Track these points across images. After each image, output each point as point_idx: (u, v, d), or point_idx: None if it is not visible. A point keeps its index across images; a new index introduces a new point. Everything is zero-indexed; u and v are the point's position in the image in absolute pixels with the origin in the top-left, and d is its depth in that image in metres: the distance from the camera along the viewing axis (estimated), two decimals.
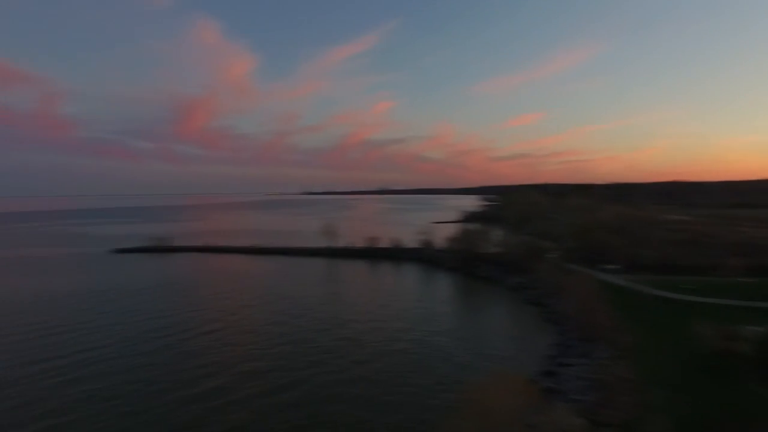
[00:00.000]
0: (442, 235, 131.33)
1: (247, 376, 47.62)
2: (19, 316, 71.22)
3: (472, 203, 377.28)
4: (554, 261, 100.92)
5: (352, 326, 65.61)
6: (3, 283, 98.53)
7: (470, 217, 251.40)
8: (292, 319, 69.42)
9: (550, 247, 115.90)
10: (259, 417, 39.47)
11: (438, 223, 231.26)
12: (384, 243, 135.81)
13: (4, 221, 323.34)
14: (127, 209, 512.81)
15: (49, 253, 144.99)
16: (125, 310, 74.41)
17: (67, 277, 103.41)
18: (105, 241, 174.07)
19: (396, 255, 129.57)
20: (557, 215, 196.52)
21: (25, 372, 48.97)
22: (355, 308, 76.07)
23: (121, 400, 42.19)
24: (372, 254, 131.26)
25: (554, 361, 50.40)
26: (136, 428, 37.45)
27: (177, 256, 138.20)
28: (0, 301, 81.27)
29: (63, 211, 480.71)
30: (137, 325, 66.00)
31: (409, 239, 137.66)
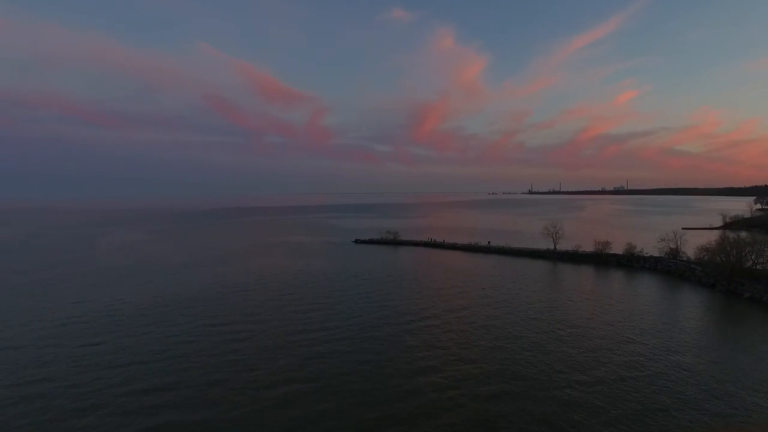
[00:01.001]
0: (694, 243, 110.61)
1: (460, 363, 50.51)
2: (283, 291, 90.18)
3: (740, 206, 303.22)
4: None
5: (564, 346, 61.66)
6: (272, 262, 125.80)
7: (736, 223, 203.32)
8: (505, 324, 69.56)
9: None
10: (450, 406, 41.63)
11: (690, 228, 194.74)
12: (616, 248, 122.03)
13: (279, 214, 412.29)
14: (369, 206, 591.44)
15: (307, 240, 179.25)
16: (363, 293, 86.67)
17: (321, 260, 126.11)
18: (349, 233, 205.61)
19: (629, 263, 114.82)
20: None
21: (286, 340, 61.46)
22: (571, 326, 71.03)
23: (355, 377, 49.06)
24: (601, 260, 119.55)
25: None
26: (367, 402, 43.62)
27: (405, 249, 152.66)
28: (269, 276, 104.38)
29: (323, 206, 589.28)
30: (373, 308, 76.35)
31: (649, 246, 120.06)
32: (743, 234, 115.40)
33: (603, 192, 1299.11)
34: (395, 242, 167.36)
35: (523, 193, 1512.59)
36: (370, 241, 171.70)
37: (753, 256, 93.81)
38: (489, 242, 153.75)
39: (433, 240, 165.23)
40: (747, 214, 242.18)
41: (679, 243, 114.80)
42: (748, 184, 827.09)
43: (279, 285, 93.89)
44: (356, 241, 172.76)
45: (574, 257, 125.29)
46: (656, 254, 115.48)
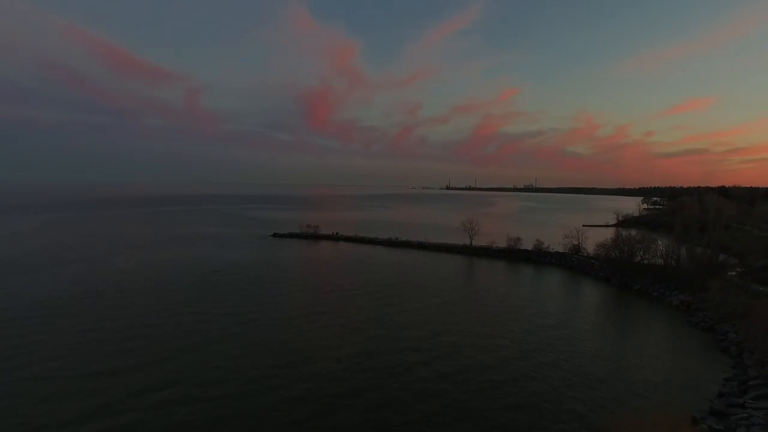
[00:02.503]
0: (593, 239, 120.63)
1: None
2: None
3: (629, 205, 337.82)
4: (735, 280, 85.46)
5: (482, 340, 64.02)
6: (202, 253, 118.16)
7: (628, 221, 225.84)
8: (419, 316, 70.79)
9: (730, 263, 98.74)
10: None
11: (589, 226, 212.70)
12: (526, 244, 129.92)
13: (181, 203, 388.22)
14: (272, 197, 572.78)
15: (232, 232, 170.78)
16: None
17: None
18: (267, 225, 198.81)
19: (538, 258, 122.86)
20: (743, 225, 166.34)
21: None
22: (487, 315, 74.06)
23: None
24: (513, 255, 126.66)
25: (726, 401, 42.83)
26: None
27: (323, 244, 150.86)
28: (190, 266, 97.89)
29: (226, 196, 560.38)
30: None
31: (555, 242, 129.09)
32: (633, 232, 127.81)
33: (514, 189, 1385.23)
34: (314, 236, 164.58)
35: (440, 188, 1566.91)
36: (289, 235, 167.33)
37: (641, 252, 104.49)
38: (398, 238, 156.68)
39: (337, 234, 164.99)
40: (636, 213, 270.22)
41: (580, 239, 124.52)
42: (636, 186, 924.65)
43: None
44: (274, 235, 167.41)
45: (489, 252, 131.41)
46: (561, 250, 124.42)
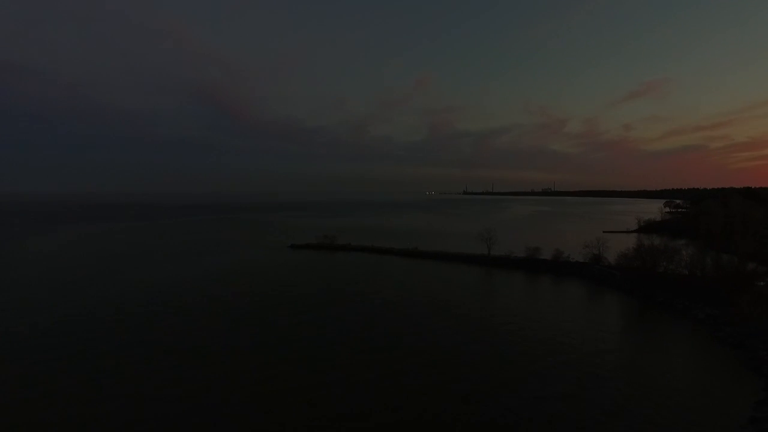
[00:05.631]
0: (615, 248, 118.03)
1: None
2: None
3: (649, 208, 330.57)
4: (765, 291, 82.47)
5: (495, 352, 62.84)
6: None
7: (650, 227, 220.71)
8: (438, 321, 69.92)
9: (760, 273, 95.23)
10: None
11: (610, 232, 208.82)
12: (545, 253, 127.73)
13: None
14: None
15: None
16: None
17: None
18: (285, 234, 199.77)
19: (558, 269, 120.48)
20: None
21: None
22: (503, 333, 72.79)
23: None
24: (532, 266, 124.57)
25: (759, 426, 41.10)
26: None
27: (339, 255, 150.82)
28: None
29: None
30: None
31: (575, 251, 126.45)
32: (656, 239, 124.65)
33: (533, 193, 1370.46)
34: (334, 247, 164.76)
35: (458, 193, 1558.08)
36: (307, 246, 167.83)
37: (665, 262, 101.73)
38: (416, 247, 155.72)
39: (350, 244, 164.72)
40: (658, 218, 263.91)
41: (601, 249, 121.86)
42: (657, 188, 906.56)
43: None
44: (293, 247, 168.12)
45: (507, 263, 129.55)
46: (582, 259, 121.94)
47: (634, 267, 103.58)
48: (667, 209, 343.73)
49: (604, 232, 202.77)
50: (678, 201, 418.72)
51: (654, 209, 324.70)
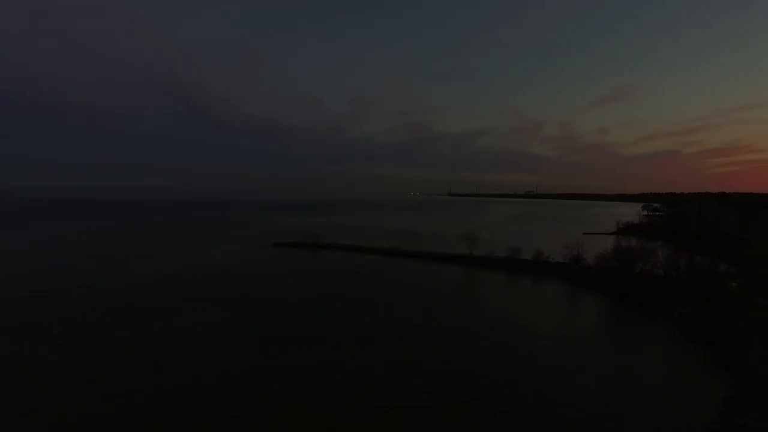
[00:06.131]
0: (594, 249, 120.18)
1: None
2: None
3: (627, 211, 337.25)
4: (735, 291, 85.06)
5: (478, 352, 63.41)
6: None
7: (628, 229, 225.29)
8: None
9: (730, 274, 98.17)
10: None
11: (590, 233, 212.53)
12: (526, 254, 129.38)
13: None
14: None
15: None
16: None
17: None
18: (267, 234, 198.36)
19: (538, 269, 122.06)
20: (745, 234, 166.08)
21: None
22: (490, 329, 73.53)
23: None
24: (513, 266, 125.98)
25: (727, 421, 42.42)
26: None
27: (327, 254, 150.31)
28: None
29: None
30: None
31: (555, 251, 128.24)
32: (633, 241, 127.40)
33: (515, 195, 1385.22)
34: (317, 245, 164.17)
35: (442, 194, 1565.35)
36: (291, 245, 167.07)
37: (641, 263, 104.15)
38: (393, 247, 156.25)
39: (334, 243, 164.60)
40: (636, 220, 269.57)
41: (580, 249, 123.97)
42: (633, 192, 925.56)
43: None
44: (276, 245, 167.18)
45: (489, 263, 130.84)
46: (561, 260, 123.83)
47: (611, 267, 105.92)
48: (645, 212, 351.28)
49: (583, 233, 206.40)
50: (656, 205, 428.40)
51: (632, 212, 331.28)
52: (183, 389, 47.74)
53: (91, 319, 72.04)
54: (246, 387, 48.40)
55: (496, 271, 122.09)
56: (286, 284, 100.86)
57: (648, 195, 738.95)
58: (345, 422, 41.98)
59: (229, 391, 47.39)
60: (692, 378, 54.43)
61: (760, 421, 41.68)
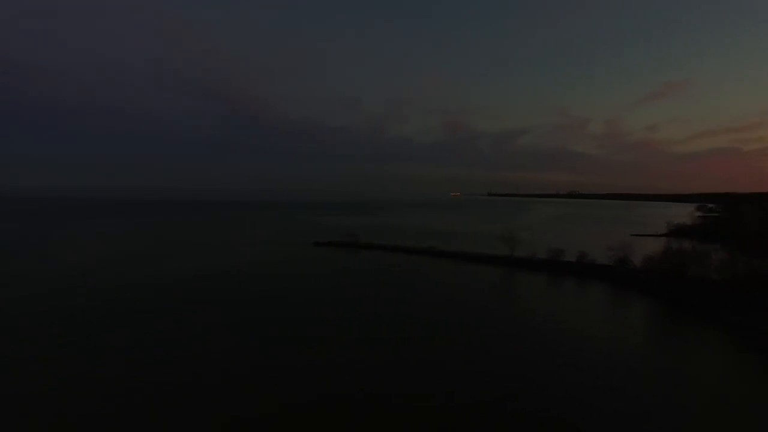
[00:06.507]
0: (642, 251, 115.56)
1: None
2: None
3: (679, 212, 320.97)
4: None
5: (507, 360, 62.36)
6: None
7: (680, 231, 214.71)
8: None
9: None
10: None
11: (638, 235, 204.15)
12: (569, 255, 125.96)
13: None
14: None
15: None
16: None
17: None
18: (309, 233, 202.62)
19: (582, 271, 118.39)
20: None
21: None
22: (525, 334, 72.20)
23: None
24: (555, 268, 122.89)
25: None
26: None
27: (366, 253, 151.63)
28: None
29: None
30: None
31: (600, 253, 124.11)
32: (686, 243, 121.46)
33: (558, 195, 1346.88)
34: (358, 245, 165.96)
35: (482, 195, 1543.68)
36: (331, 244, 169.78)
37: (694, 266, 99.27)
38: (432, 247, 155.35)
39: (373, 243, 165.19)
40: (689, 222, 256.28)
41: (627, 252, 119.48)
42: (686, 192, 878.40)
43: None
44: (317, 244, 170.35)
45: (530, 264, 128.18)
46: (607, 262, 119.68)
47: (661, 270, 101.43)
48: (699, 213, 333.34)
49: (631, 235, 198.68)
50: (710, 205, 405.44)
51: (684, 213, 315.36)
52: (228, 382, 49.71)
53: (141, 309, 76.24)
54: (277, 382, 49.76)
55: (537, 273, 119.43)
56: (324, 283, 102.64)
57: (701, 195, 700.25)
58: (381, 421, 42.55)
59: (263, 385, 48.96)
60: (752, 392, 51.04)
61: None
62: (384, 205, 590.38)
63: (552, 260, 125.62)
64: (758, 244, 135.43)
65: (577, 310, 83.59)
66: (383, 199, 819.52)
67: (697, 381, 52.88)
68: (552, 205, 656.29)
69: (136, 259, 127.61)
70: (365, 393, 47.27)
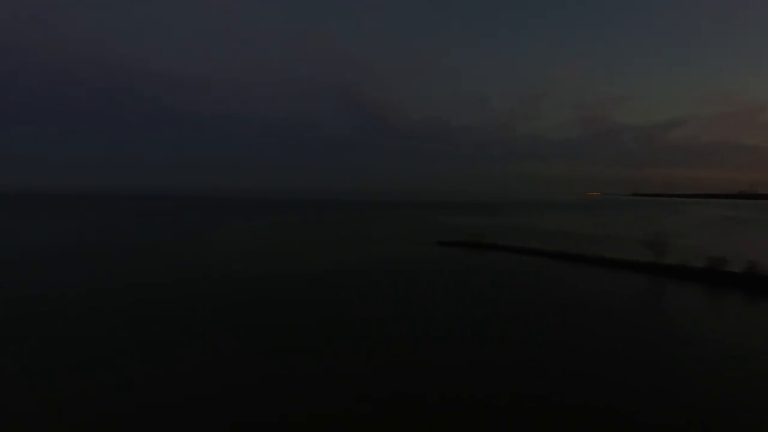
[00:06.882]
0: None
1: None
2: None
3: None
4: None
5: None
6: None
7: None
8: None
9: None
10: None
11: None
12: (733, 266, 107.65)
13: None
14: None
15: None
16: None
17: None
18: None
19: (752, 285, 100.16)
20: None
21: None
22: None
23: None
24: (713, 279, 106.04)
25: None
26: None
27: (492, 254, 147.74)
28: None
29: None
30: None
31: None
32: None
33: (721, 195, 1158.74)
34: (483, 246, 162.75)
35: (626, 194, 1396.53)
36: (456, 244, 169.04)
37: None
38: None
39: (497, 243, 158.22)
40: None
41: None
42: None
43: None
44: (440, 243, 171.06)
45: (680, 273, 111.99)
46: None
47: None
48: None
49: None
50: None
51: None
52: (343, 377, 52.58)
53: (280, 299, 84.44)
54: (421, 379, 51.00)
55: (689, 284, 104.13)
56: (443, 283, 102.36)
57: None
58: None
59: (412, 380, 50.62)
60: None
61: None
62: (512, 205, 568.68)
63: (711, 269, 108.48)
64: None
65: (746, 331, 70.82)
66: (512, 199, 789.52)
67: None
68: (712, 207, 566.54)
69: (268, 254, 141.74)
70: (508, 392, 46.28)
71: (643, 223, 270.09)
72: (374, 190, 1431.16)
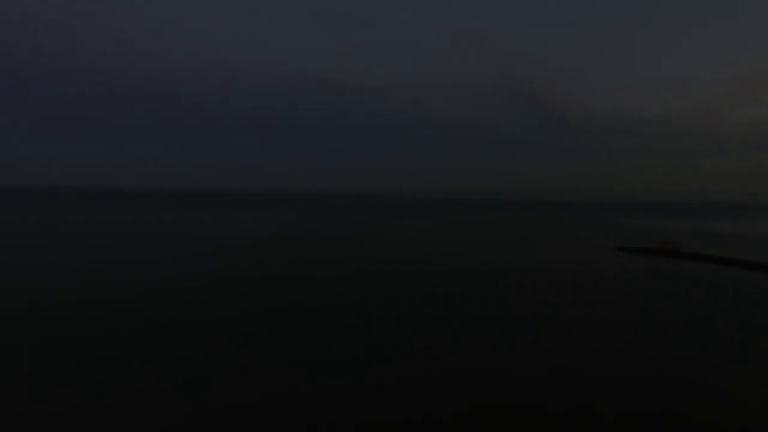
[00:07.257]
0: None
1: None
2: None
3: None
4: None
5: None
6: None
7: None
8: None
9: None
10: None
11: None
12: None
13: None
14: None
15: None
16: None
17: None
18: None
19: None
20: None
21: None
22: None
23: None
24: None
25: None
26: None
27: (687, 264, 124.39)
28: None
29: None
30: None
31: None
32: None
33: None
34: (669, 254, 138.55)
35: None
36: (640, 250, 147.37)
37: None
38: None
39: (699, 253, 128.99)
40: None
41: None
42: None
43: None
44: (620, 249, 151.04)
45: None
46: None
47: None
48: None
49: None
50: None
51: None
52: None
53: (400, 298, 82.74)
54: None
55: None
56: (614, 292, 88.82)
57: None
58: None
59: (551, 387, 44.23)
60: None
61: None
62: (719, 206, 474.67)
63: None
64: None
65: None
66: (717, 199, 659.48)
67: None
68: None
69: (448, 251, 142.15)
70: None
71: None
72: (549, 190, 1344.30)
